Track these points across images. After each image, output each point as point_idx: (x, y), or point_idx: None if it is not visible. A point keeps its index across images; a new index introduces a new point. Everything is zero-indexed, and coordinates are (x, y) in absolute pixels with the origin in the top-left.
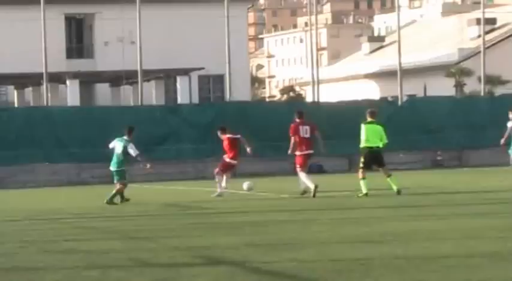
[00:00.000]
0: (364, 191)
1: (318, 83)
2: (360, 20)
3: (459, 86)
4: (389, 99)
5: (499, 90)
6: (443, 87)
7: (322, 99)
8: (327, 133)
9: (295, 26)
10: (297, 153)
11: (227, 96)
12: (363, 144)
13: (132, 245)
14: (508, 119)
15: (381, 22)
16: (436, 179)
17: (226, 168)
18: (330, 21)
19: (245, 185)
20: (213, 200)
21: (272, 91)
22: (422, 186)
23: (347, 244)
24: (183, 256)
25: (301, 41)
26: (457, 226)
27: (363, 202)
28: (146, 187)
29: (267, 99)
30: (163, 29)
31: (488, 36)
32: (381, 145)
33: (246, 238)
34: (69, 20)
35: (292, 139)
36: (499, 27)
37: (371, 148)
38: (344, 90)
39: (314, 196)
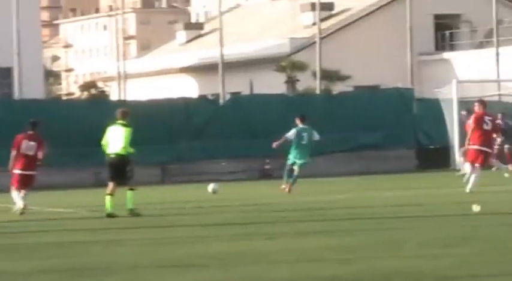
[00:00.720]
0: (109, 209)
1: (125, 78)
2: (174, 4)
3: (291, 82)
4: (210, 97)
5: (337, 88)
6: (272, 83)
7: (130, 97)
8: (134, 138)
9: (97, 11)
10: None
11: (16, 93)
12: (106, 150)
13: None
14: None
15: (199, 6)
16: (264, 191)
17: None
18: (139, 5)
19: (210, 187)
20: (7, 218)
21: (70, 87)
22: (249, 200)
23: (161, 268)
24: None
25: (104, 28)
26: (290, 246)
27: (183, 219)
28: None
29: (65, 97)
30: None
31: (325, 24)
32: (123, 152)
33: (41, 262)
34: None
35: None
36: (336, 14)
37: (110, 155)
38: (156, 86)
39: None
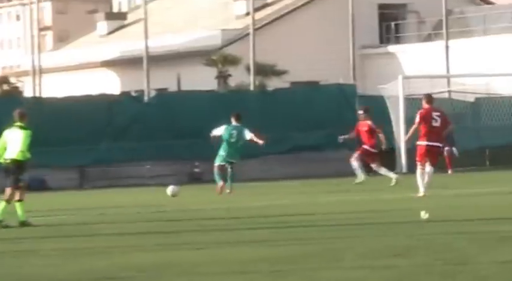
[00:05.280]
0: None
1: (40, 72)
2: None
3: (222, 77)
4: (133, 94)
5: (272, 84)
6: (202, 79)
7: (46, 93)
8: (50, 138)
9: None
10: None
11: None
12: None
13: None
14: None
15: None
16: (193, 196)
17: None
18: None
19: (169, 189)
20: None
21: None
22: (176, 206)
23: None
24: None
25: (17, 18)
26: (221, 257)
27: (104, 227)
28: None
29: None
30: None
31: (259, 14)
32: (20, 157)
33: None
34: None
35: None
36: (272, 3)
37: (6, 160)
38: (74, 82)
39: None
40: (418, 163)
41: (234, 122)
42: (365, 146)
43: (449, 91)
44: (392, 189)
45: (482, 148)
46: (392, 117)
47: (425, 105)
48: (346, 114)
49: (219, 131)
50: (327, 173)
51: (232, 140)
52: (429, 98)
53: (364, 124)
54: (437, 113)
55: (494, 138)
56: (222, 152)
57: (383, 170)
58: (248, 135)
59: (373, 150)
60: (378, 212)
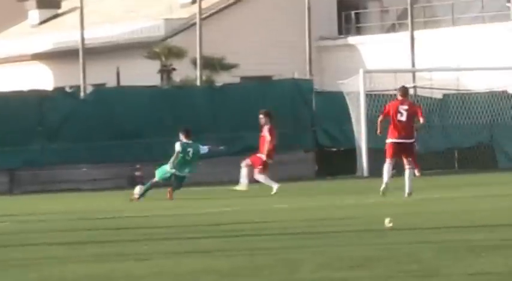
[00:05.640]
0: None
1: None
2: None
3: (166, 71)
4: (68, 89)
5: (221, 78)
6: (144, 73)
7: None
8: None
9: None
10: None
11: None
12: None
13: None
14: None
15: None
16: (135, 202)
17: None
18: None
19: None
20: None
21: None
22: (116, 212)
23: None
24: None
25: None
26: (164, 268)
27: (35, 236)
28: None
29: None
30: None
31: (206, 2)
32: None
33: None
34: None
35: None
36: None
37: None
38: (2, 76)
39: None
40: (386, 158)
41: (184, 139)
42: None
43: (414, 87)
44: (353, 194)
45: (451, 149)
46: (353, 115)
47: (398, 97)
48: (302, 112)
49: (177, 147)
50: (280, 177)
51: (188, 158)
52: (403, 90)
53: (264, 130)
54: (405, 107)
55: (463, 138)
56: (169, 169)
57: (261, 178)
58: (204, 149)
59: (263, 156)
60: (337, 220)
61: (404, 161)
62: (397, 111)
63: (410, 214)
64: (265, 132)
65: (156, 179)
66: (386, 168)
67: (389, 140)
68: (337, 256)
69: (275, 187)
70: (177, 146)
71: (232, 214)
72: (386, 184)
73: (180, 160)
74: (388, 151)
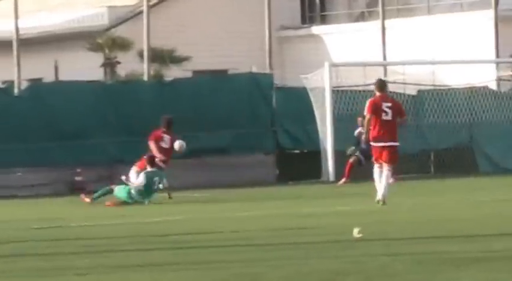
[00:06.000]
0: None
1: None
2: None
3: (110, 65)
4: (0, 85)
5: (171, 73)
6: (85, 66)
7: None
8: None
9: None
10: None
11: None
12: None
13: None
14: None
15: None
16: (75, 210)
17: None
18: None
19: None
20: None
21: None
22: (54, 221)
23: None
24: None
25: None
26: None
27: None
28: None
29: None
30: None
31: None
32: None
33: None
34: None
35: None
36: None
37: None
38: None
39: None
40: (375, 163)
41: (148, 168)
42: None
43: (378, 78)
44: (317, 201)
45: (426, 151)
46: (317, 113)
47: (376, 93)
48: (261, 110)
49: (140, 180)
50: (238, 181)
51: (155, 187)
52: (381, 84)
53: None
54: (388, 104)
55: (440, 139)
56: (126, 198)
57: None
58: (164, 183)
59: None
60: (300, 229)
61: (385, 165)
62: (382, 110)
63: (381, 223)
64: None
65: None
66: (378, 174)
67: (374, 144)
68: (300, 270)
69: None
70: (141, 178)
71: (183, 223)
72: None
73: (143, 192)
74: (377, 156)
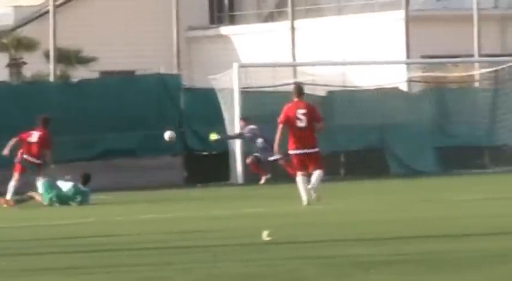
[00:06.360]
0: None
1: None
2: None
3: (15, 65)
4: None
5: (78, 74)
6: None
7: None
8: None
9: None
10: None
11: None
12: None
13: None
14: None
15: None
16: None
17: None
18: None
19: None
20: None
21: None
22: None
23: None
24: None
25: None
26: None
27: None
28: None
29: None
30: None
31: None
32: None
33: None
34: None
35: None
36: None
37: None
38: None
39: None
40: (297, 172)
41: (82, 187)
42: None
43: (295, 83)
44: (226, 203)
45: (336, 153)
46: (226, 115)
47: (293, 98)
48: (169, 111)
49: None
50: (145, 184)
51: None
52: (299, 89)
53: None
54: (303, 111)
55: (350, 140)
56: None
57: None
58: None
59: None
60: (209, 232)
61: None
62: (296, 117)
63: (291, 226)
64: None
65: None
66: (301, 181)
67: (293, 152)
68: (209, 273)
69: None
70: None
71: (91, 226)
72: (307, 200)
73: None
74: (296, 163)
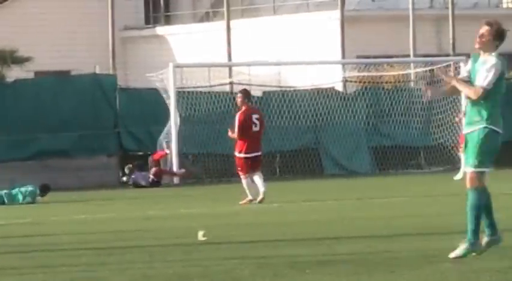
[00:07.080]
0: None
1: None
2: None
3: None
4: None
5: (12, 73)
6: None
7: None
8: None
9: None
10: None
11: None
12: None
13: None
14: None
15: None
16: None
17: None
18: None
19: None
20: None
21: None
22: None
23: None
24: None
25: None
26: None
27: None
28: None
29: None
30: None
31: None
32: None
33: None
34: None
35: None
36: None
37: None
38: None
39: None
40: (241, 174)
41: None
42: None
43: (231, 83)
44: (161, 204)
45: (272, 153)
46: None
47: (241, 104)
48: (104, 111)
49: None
50: (80, 184)
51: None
52: (248, 94)
53: None
54: (257, 116)
55: (286, 141)
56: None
57: None
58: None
59: None
60: (143, 232)
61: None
62: (252, 122)
63: (226, 226)
64: None
65: None
66: (246, 184)
67: (241, 156)
68: (143, 273)
69: None
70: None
71: (25, 226)
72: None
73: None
74: (244, 167)
